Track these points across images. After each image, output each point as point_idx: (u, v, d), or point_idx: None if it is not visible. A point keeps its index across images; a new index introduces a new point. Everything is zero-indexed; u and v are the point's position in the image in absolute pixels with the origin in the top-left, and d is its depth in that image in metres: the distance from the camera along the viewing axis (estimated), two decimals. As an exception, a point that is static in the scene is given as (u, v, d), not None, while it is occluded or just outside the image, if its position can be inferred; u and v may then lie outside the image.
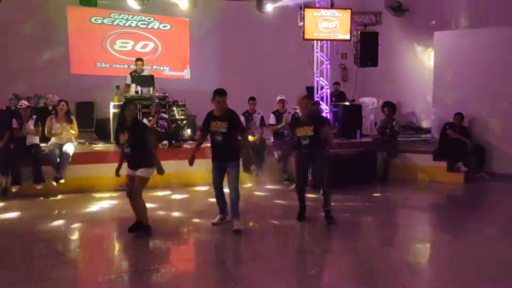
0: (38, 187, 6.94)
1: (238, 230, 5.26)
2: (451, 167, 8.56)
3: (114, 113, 8.53)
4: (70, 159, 7.16)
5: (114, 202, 6.83)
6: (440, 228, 6.08)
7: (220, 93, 5.26)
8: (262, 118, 8.46)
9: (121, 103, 8.68)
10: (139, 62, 9.17)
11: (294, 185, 7.73)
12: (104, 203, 6.79)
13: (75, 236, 5.47)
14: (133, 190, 5.13)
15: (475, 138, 8.84)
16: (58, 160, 7.07)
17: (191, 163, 5.50)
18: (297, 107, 7.13)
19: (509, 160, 8.68)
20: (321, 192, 5.85)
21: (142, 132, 5.15)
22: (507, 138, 8.76)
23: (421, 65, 11.49)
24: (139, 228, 5.20)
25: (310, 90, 10.49)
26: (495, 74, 8.84)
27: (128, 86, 9.08)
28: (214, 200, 5.72)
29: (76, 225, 5.71)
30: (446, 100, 9.39)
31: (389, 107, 9.01)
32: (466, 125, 8.92)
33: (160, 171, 5.13)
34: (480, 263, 4.48)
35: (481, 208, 7.07)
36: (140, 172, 5.08)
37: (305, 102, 5.76)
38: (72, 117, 7.48)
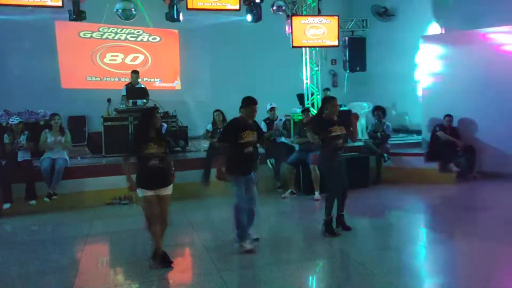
0: (31, 203, 6.89)
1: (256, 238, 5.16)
2: (442, 168, 8.64)
3: (106, 127, 8.53)
4: (63, 174, 7.13)
5: (108, 216, 6.82)
6: (434, 229, 6.13)
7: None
8: None
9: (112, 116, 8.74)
10: (134, 75, 9.16)
11: (288, 191, 7.80)
12: (100, 216, 6.77)
13: (71, 252, 5.45)
14: (165, 213, 4.48)
15: (465, 139, 8.94)
16: (51, 175, 7.03)
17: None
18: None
19: (499, 159, 8.78)
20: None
21: (168, 143, 4.71)
22: (496, 138, 8.85)
23: (410, 69, 11.61)
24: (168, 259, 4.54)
25: (301, 97, 10.58)
26: (482, 75, 8.96)
27: (124, 97, 9.03)
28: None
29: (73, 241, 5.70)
30: (435, 102, 9.49)
31: (380, 111, 9.12)
32: (456, 126, 9.02)
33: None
34: (475, 264, 4.52)
35: (474, 208, 7.12)
36: (170, 190, 4.52)
37: (335, 102, 5.59)
38: (66, 130, 7.49)
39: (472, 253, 4.82)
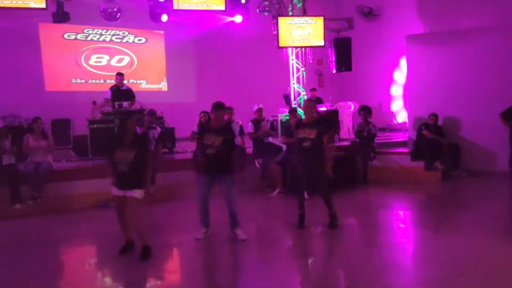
0: (16, 207, 6.81)
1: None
2: (428, 166, 8.73)
3: (91, 129, 8.47)
4: (47, 177, 7.06)
5: (96, 219, 6.75)
6: (420, 227, 6.19)
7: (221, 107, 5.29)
8: (241, 127, 8.50)
9: (100, 118, 8.68)
10: (120, 77, 9.09)
11: (276, 191, 7.82)
12: (86, 220, 6.70)
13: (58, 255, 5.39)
14: (128, 214, 4.70)
15: (451, 137, 9.05)
16: (35, 178, 6.95)
17: None
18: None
19: (484, 157, 8.91)
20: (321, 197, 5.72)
21: (143, 149, 4.85)
22: (480, 136, 8.98)
23: (395, 68, 11.73)
24: (131, 249, 4.86)
25: (287, 97, 10.61)
26: (466, 74, 9.08)
27: (108, 100, 8.95)
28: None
29: (59, 243, 5.63)
30: (420, 101, 9.59)
31: (365, 111, 9.17)
32: (440, 125, 9.12)
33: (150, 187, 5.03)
34: (461, 261, 4.57)
35: (459, 205, 7.21)
36: (136, 193, 4.69)
37: (311, 105, 5.84)
38: (48, 134, 7.41)
39: (457, 249, 4.88)
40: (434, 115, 8.97)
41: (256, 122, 8.45)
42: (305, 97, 10.06)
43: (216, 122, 5.28)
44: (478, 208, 6.83)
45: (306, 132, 5.60)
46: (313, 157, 5.55)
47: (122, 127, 4.90)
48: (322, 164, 5.58)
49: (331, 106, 10.68)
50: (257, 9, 10.18)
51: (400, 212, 7.05)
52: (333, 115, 10.20)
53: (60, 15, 8.69)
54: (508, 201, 7.57)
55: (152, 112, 8.32)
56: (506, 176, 8.33)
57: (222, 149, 5.14)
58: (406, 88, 10.11)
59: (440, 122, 9.07)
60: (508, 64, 8.65)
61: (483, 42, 9.01)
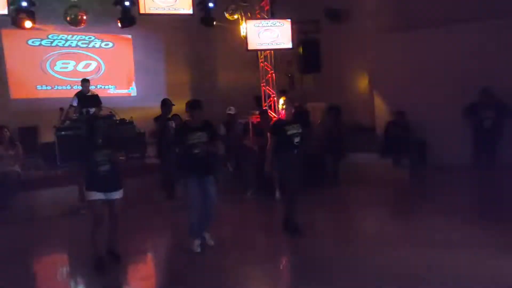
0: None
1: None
2: (396, 163, 8.95)
3: (59, 136, 8.32)
4: (15, 187, 6.89)
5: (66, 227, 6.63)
6: (389, 222, 6.36)
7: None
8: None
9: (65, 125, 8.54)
10: (85, 84, 8.92)
11: (250, 191, 7.88)
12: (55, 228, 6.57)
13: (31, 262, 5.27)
14: (116, 216, 4.78)
15: (417, 134, 9.30)
16: (2, 189, 6.77)
17: None
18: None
19: (449, 152, 9.19)
20: (289, 198, 5.69)
21: (117, 149, 4.90)
22: (446, 132, 9.26)
23: (362, 68, 11.94)
24: (117, 261, 4.80)
25: (258, 99, 10.67)
26: (431, 72, 9.37)
27: (74, 107, 8.79)
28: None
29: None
30: (387, 99, 9.82)
31: (334, 111, 9.33)
32: (407, 122, 9.37)
33: None
34: (434, 256, 4.72)
35: (428, 199, 7.42)
36: (121, 193, 4.78)
37: (289, 102, 5.86)
38: (17, 142, 7.28)
39: (433, 244, 5.02)
40: (401, 113, 9.22)
41: (228, 125, 8.49)
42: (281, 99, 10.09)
43: (196, 120, 5.12)
44: (446, 200, 7.06)
45: (295, 128, 5.54)
46: (300, 153, 5.59)
47: (93, 130, 4.78)
48: (301, 160, 5.64)
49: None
50: (225, 13, 10.21)
51: (369, 209, 7.17)
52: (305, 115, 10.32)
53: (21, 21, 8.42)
54: (468, 193, 7.84)
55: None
56: (472, 169, 8.62)
57: (208, 147, 5.06)
58: (374, 87, 10.32)
59: (406, 119, 9.31)
60: (471, 59, 8.93)
61: (447, 37, 9.27)
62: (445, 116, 9.24)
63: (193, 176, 5.06)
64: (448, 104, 9.15)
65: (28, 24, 8.39)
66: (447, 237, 5.15)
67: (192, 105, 5.14)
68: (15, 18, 8.28)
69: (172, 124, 7.47)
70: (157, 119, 7.57)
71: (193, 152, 4.98)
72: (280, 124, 5.77)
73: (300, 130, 5.56)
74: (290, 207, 5.59)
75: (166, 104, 7.56)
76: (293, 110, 5.78)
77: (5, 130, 7.12)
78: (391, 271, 4.31)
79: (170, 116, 7.61)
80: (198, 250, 5.04)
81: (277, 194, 7.50)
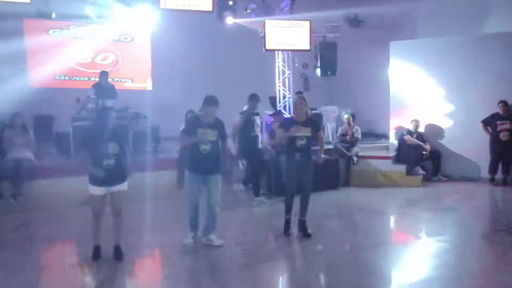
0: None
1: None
2: (409, 171, 8.88)
3: (75, 127, 8.39)
4: (28, 174, 6.96)
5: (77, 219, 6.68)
6: (401, 230, 6.29)
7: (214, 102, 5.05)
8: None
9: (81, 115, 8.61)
10: (103, 76, 8.98)
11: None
12: (68, 219, 6.62)
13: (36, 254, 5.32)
14: (119, 212, 4.74)
15: (431, 144, 9.22)
16: (15, 175, 6.85)
17: None
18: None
19: (462, 164, 9.11)
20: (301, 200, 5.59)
21: (123, 139, 4.85)
22: (460, 143, 9.17)
23: (379, 74, 11.85)
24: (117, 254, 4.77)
25: (273, 99, 10.66)
26: (449, 81, 9.28)
27: (91, 98, 8.84)
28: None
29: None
30: (403, 108, 9.74)
31: (349, 115, 9.31)
32: (422, 131, 9.30)
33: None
34: (442, 263, 4.67)
35: (439, 209, 7.34)
36: (125, 186, 4.73)
37: (303, 101, 5.61)
38: (29, 130, 7.33)
39: (438, 254, 4.97)
40: (416, 121, 9.16)
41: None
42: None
43: (208, 117, 5.06)
44: (457, 211, 6.99)
45: (302, 130, 5.39)
46: (307, 156, 5.46)
47: (101, 121, 4.76)
48: (312, 163, 5.53)
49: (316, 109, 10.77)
50: (244, 11, 10.21)
51: (381, 215, 7.12)
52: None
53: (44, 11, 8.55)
54: (482, 205, 7.74)
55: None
56: (485, 182, 8.54)
57: (216, 146, 5.03)
58: (390, 94, 10.23)
59: (422, 129, 9.25)
60: (489, 73, 8.82)
61: (466, 50, 9.19)
62: (462, 127, 9.14)
63: (192, 172, 5.10)
64: (466, 115, 9.06)
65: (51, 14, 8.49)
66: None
67: (206, 101, 5.08)
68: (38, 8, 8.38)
69: (257, 119, 7.44)
70: (242, 113, 7.47)
71: (199, 149, 4.97)
72: (288, 122, 5.63)
73: (308, 134, 5.41)
74: (301, 209, 5.55)
75: (254, 99, 7.44)
76: (307, 112, 5.66)
77: (18, 116, 7.19)
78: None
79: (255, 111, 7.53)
80: (186, 242, 5.14)
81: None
